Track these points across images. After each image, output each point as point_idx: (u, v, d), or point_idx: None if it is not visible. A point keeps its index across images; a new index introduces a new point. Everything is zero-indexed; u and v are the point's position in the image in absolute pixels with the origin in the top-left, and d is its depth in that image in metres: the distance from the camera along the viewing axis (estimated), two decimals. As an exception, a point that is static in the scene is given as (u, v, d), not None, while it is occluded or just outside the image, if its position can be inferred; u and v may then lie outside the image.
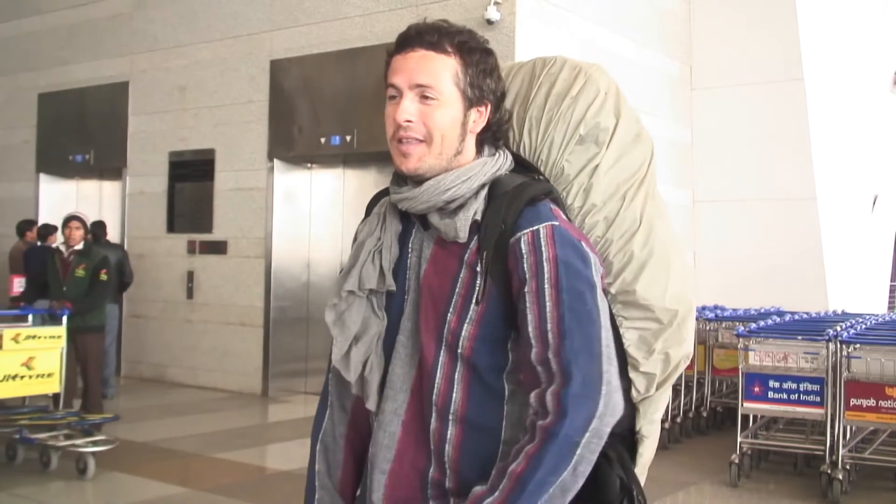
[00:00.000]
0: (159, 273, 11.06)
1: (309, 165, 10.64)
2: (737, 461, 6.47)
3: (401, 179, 1.68)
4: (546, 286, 1.54)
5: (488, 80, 1.66)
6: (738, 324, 7.76)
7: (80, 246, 7.36)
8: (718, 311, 8.79)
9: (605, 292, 1.66)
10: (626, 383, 1.69)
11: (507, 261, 1.57)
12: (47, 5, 12.93)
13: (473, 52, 1.68)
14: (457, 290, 1.60)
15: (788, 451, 6.91)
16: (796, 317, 8.28)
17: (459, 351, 1.59)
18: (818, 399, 6.26)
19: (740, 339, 6.65)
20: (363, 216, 1.83)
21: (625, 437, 1.72)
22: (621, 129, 1.75)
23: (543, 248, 1.55)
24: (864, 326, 7.20)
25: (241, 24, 10.67)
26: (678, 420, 7.90)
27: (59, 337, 6.68)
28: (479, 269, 1.58)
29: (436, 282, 1.63)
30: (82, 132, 12.25)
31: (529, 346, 1.54)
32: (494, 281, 1.57)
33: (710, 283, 10.97)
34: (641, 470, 1.76)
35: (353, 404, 1.79)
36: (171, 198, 11.20)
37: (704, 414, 8.28)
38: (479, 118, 1.66)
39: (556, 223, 1.58)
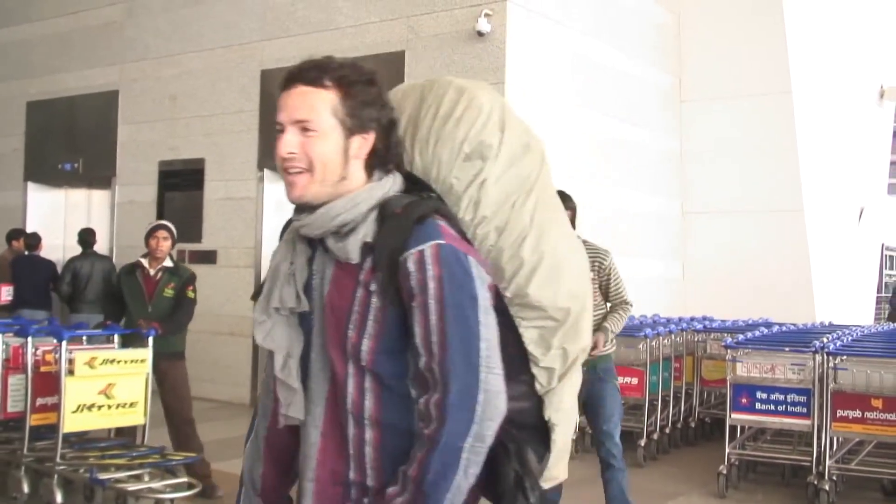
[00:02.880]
0: (148, 282, 11.05)
1: (299, 175, 10.64)
2: (725, 472, 6.50)
3: (302, 207, 1.81)
4: (431, 301, 1.66)
5: (369, 109, 1.77)
6: (726, 335, 7.80)
7: (168, 262, 6.39)
8: (707, 323, 8.83)
9: (502, 296, 1.80)
10: (531, 378, 1.82)
11: (398, 278, 1.69)
12: (38, 13, 12.91)
13: (353, 84, 1.78)
14: (355, 307, 1.73)
15: (776, 462, 6.94)
16: (784, 328, 8.32)
17: (362, 363, 1.72)
18: (805, 410, 6.30)
19: (728, 351, 6.69)
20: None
21: (538, 427, 1.84)
22: (507, 142, 1.84)
23: (428, 267, 1.67)
24: (850, 338, 7.24)
25: (232, 34, 10.68)
26: (667, 431, 7.91)
27: (142, 361, 5.73)
28: (373, 287, 1.71)
29: (337, 301, 1.76)
30: (71, 141, 12.23)
31: (419, 356, 1.69)
32: (388, 298, 1.70)
33: (698, 294, 11.02)
34: (559, 455, 1.87)
35: (272, 411, 1.91)
36: (161, 207, 11.18)
37: (693, 425, 8.31)
38: (363, 145, 1.77)
39: (442, 242, 1.69)
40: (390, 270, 1.69)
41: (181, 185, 10.99)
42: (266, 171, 10.31)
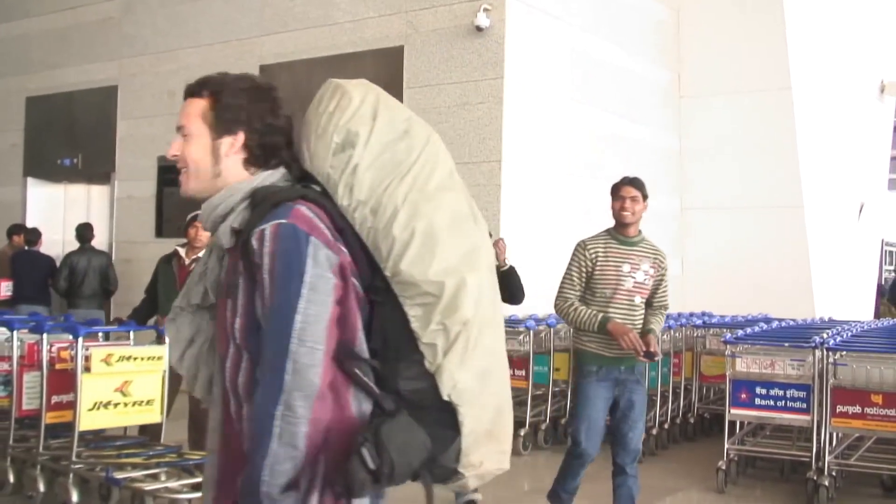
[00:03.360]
0: (147, 278, 10.99)
1: (298, 170, 10.63)
2: (724, 467, 6.49)
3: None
4: (265, 275, 1.79)
5: (235, 113, 1.96)
6: (725, 330, 7.78)
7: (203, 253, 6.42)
8: (706, 318, 8.82)
9: (385, 276, 1.87)
10: (422, 356, 1.84)
11: (250, 257, 1.82)
12: (36, 9, 12.88)
13: (222, 92, 1.97)
14: (231, 289, 1.89)
15: (775, 458, 6.93)
16: (783, 324, 8.31)
17: (237, 341, 1.86)
18: (805, 406, 6.29)
19: (727, 346, 6.68)
20: None
21: (442, 408, 1.83)
22: (378, 130, 1.92)
23: (266, 243, 1.79)
24: (850, 334, 7.23)
25: (230, 29, 10.66)
26: (665, 426, 7.91)
27: (159, 358, 5.54)
28: (240, 268, 1.85)
29: (225, 285, 1.93)
30: (71, 136, 12.21)
31: (261, 328, 1.82)
32: (248, 276, 1.83)
33: (697, 290, 11.01)
34: (475, 440, 1.85)
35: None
36: (160, 202, 11.17)
37: (692, 420, 8.30)
38: (233, 144, 1.96)
39: (283, 220, 1.80)
40: (244, 249, 1.83)
41: (178, 179, 10.96)
42: (265, 167, 10.29)
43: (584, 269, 4.87)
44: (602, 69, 10.36)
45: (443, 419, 1.83)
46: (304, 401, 1.73)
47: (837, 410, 6.11)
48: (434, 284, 1.83)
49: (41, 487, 5.53)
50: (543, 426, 7.81)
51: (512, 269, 5.52)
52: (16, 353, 5.53)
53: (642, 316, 4.92)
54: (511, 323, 8.15)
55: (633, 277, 4.85)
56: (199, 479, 5.25)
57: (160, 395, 5.53)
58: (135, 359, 5.46)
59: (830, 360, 6.26)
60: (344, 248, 1.85)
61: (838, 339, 6.63)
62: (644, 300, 4.93)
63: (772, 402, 6.37)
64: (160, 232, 11.14)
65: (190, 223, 6.21)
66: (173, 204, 11.08)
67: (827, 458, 6.16)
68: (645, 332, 4.84)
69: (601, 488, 6.49)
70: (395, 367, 1.84)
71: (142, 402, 5.46)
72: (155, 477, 5.32)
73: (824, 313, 10.36)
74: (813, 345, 6.33)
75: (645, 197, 4.99)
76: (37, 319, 6.13)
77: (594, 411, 4.81)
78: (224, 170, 1.96)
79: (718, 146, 11.59)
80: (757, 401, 6.42)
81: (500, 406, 1.89)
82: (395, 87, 9.25)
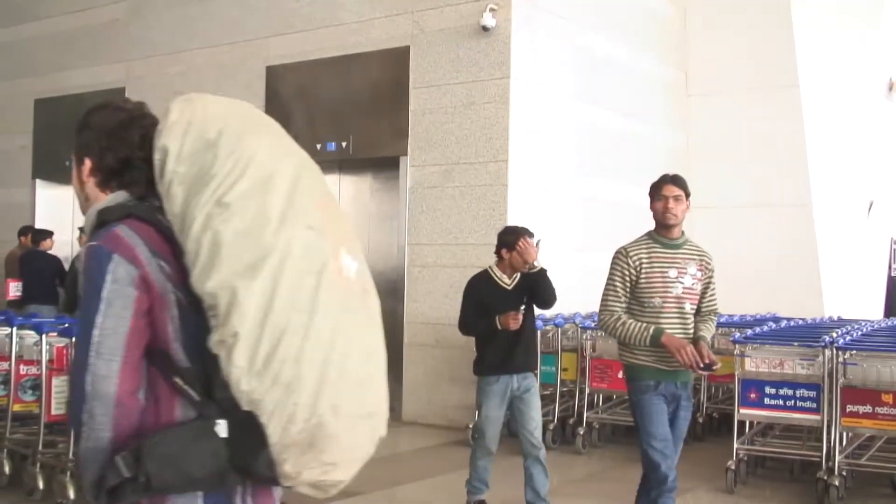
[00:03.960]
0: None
1: (305, 171, 10.63)
2: (733, 467, 6.47)
3: None
4: (82, 293, 1.92)
5: (81, 139, 2.14)
6: (734, 330, 7.76)
7: None
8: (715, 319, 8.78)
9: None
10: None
11: None
12: (45, 11, 12.92)
13: (80, 123, 2.17)
14: None
15: (785, 458, 6.91)
16: (792, 323, 8.27)
17: None
18: (814, 405, 6.26)
19: (736, 346, 6.66)
20: None
21: (251, 416, 1.83)
22: (189, 142, 1.93)
23: (82, 264, 1.94)
24: (860, 333, 7.20)
25: (237, 31, 10.67)
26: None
27: None
28: None
29: None
30: (78, 138, 12.22)
31: None
32: None
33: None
34: (283, 448, 1.82)
35: None
36: (167, 204, 11.18)
37: (700, 420, 8.28)
38: (84, 169, 2.12)
39: (94, 243, 1.92)
40: None
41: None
42: (272, 168, 10.29)
43: (627, 279, 4.48)
44: (608, 68, 10.34)
45: (251, 427, 1.82)
46: (103, 409, 1.83)
47: (847, 410, 6.09)
48: (210, 297, 1.84)
49: (71, 494, 5.44)
50: (551, 426, 7.79)
51: (541, 272, 5.35)
52: (45, 358, 5.47)
53: (693, 324, 4.56)
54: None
55: (682, 283, 4.50)
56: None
57: None
58: None
59: (840, 359, 6.24)
60: (161, 262, 1.91)
61: (848, 338, 6.60)
62: (694, 306, 4.57)
63: (781, 402, 6.35)
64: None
65: None
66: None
67: (837, 458, 6.13)
68: (696, 341, 4.47)
69: (609, 487, 6.48)
70: (210, 374, 1.85)
71: None
72: None
73: (833, 312, 10.31)
74: (822, 344, 6.30)
75: (688, 195, 4.64)
76: (65, 322, 6.05)
77: (662, 426, 4.41)
78: (89, 194, 2.13)
79: (726, 144, 11.55)
80: (766, 400, 6.40)
81: (321, 417, 1.81)
82: (401, 87, 9.26)
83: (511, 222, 8.62)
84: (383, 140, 9.52)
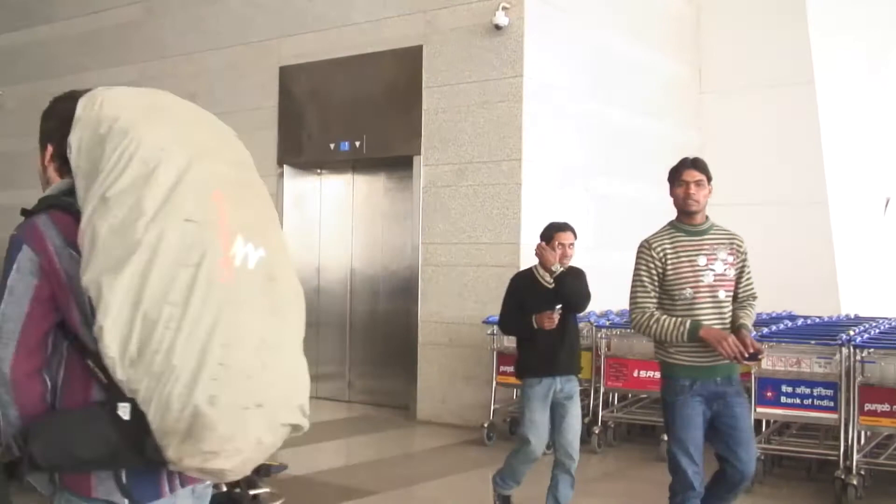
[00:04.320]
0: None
1: (318, 171, 10.65)
2: (750, 467, 6.42)
3: None
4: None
5: (43, 127, 2.27)
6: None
7: None
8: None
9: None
10: None
11: None
12: (60, 14, 12.98)
13: (45, 110, 2.31)
14: None
15: (802, 457, 6.86)
16: (809, 321, 8.22)
17: None
18: (832, 404, 6.22)
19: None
20: None
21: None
22: (85, 137, 2.03)
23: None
24: (877, 331, 7.15)
25: (250, 31, 10.69)
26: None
27: None
28: None
29: None
30: (93, 139, 12.28)
31: None
32: None
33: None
34: (162, 435, 1.89)
35: None
36: (182, 204, 11.20)
37: (716, 419, 8.23)
38: (45, 155, 2.25)
39: (14, 232, 2.03)
40: None
41: (201, 182, 11.01)
42: (285, 168, 10.32)
43: (654, 272, 4.24)
44: (622, 66, 10.31)
45: (140, 413, 1.90)
46: (3, 388, 1.97)
47: (865, 408, 6.05)
48: (85, 290, 1.92)
49: None
50: (566, 425, 7.76)
51: (561, 275, 5.15)
52: None
53: (731, 313, 4.30)
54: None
55: (713, 270, 4.24)
56: (265, 490, 5.17)
57: None
58: None
59: (858, 357, 6.19)
60: (74, 251, 1.98)
61: (865, 336, 6.56)
62: (730, 294, 4.30)
63: (798, 401, 6.31)
64: (182, 234, 11.18)
65: None
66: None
67: (855, 457, 6.09)
68: (737, 330, 4.19)
69: (624, 487, 6.46)
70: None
71: None
72: (216, 486, 5.09)
73: (850, 310, 10.24)
74: (840, 342, 6.26)
75: (709, 179, 4.43)
76: None
77: (694, 431, 4.15)
78: (49, 178, 2.24)
79: (740, 142, 11.49)
80: (783, 399, 6.37)
81: (197, 407, 1.85)
82: (414, 86, 9.25)
83: (525, 221, 8.61)
84: (396, 139, 9.51)
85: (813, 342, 6.51)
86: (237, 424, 1.90)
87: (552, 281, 5.18)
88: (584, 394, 8.08)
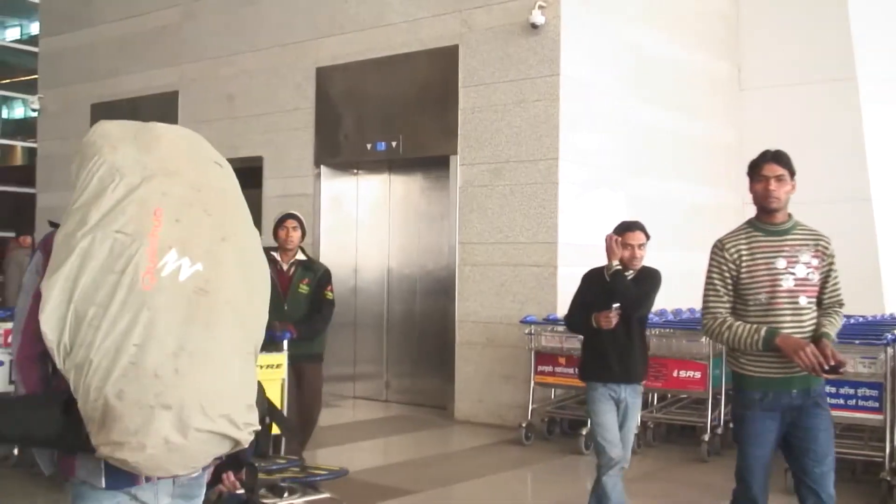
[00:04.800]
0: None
1: (355, 171, 10.69)
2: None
3: None
4: None
5: None
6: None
7: (300, 256, 6.03)
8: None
9: None
10: None
11: None
12: (100, 18, 13.16)
13: None
14: None
15: (847, 458, 6.75)
16: (852, 320, 8.09)
17: None
18: (876, 405, 6.12)
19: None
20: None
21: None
22: (81, 165, 2.24)
23: None
24: (923, 330, 7.01)
25: (287, 33, 10.75)
26: (731, 425, 7.75)
27: (279, 366, 5.38)
28: None
29: None
30: (133, 142, 12.41)
31: None
32: None
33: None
34: (86, 423, 2.07)
35: None
36: (220, 205, 11.29)
37: (758, 419, 8.13)
38: None
39: (40, 241, 2.34)
40: None
41: (240, 182, 11.03)
42: (322, 168, 10.36)
43: (727, 275, 3.91)
44: (659, 63, 10.22)
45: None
46: (14, 370, 2.30)
47: (911, 409, 5.93)
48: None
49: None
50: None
51: (615, 273, 4.83)
52: None
53: (813, 321, 3.89)
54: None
55: (793, 273, 3.87)
56: (324, 496, 5.22)
57: (279, 404, 5.31)
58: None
59: (903, 357, 6.08)
60: None
61: (911, 335, 6.44)
62: (812, 300, 3.91)
63: (842, 401, 6.21)
64: (221, 235, 11.27)
65: (280, 224, 5.96)
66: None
67: (901, 459, 5.98)
68: (817, 339, 3.79)
69: (663, 488, 6.39)
70: None
71: None
72: (275, 490, 5.11)
73: (894, 309, 10.07)
74: (885, 342, 6.15)
75: (793, 174, 4.13)
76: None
77: (761, 449, 3.89)
78: None
79: (781, 139, 11.13)
80: (827, 400, 6.25)
81: (106, 399, 2.03)
82: (450, 86, 9.25)
83: (561, 221, 8.57)
84: (433, 139, 9.52)
85: (857, 342, 6.41)
86: (141, 420, 2.03)
87: (608, 278, 4.87)
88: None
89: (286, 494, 5.14)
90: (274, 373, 5.34)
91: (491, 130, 8.98)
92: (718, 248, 4.00)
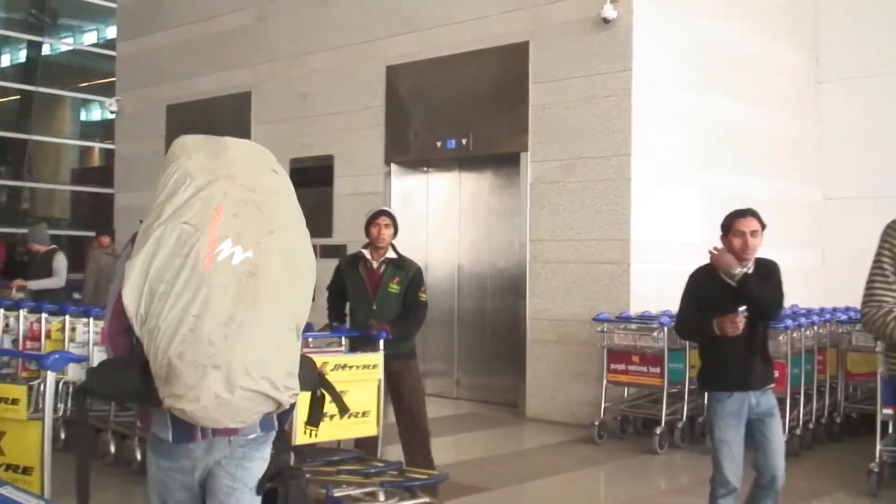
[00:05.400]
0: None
1: (425, 169, 10.71)
2: (876, 470, 6.16)
3: None
4: None
5: None
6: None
7: (391, 254, 5.84)
8: (852, 314, 8.41)
9: None
10: None
11: None
12: (174, 21, 13.43)
13: None
14: None
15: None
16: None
17: None
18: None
19: (877, 342, 6.34)
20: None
21: None
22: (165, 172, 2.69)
23: None
24: None
25: (357, 32, 10.83)
26: (810, 426, 7.59)
27: (374, 367, 5.27)
28: None
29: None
30: (208, 142, 12.65)
31: None
32: None
33: (841, 284, 10.46)
34: (155, 379, 2.49)
35: None
36: (293, 204, 11.43)
37: (838, 420, 7.94)
38: None
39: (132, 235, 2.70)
40: None
41: (311, 181, 11.20)
42: (393, 166, 10.42)
43: None
44: (733, 56, 10.02)
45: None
46: (105, 339, 2.78)
47: None
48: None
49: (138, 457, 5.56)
50: (680, 425, 7.61)
51: (745, 278, 4.38)
52: None
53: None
54: (645, 319, 7.99)
55: None
56: (424, 500, 5.11)
57: (376, 407, 5.24)
58: (350, 367, 5.16)
59: None
60: None
61: None
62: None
63: None
64: (294, 232, 11.40)
65: (372, 221, 5.80)
66: (305, 205, 11.24)
67: None
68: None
69: (742, 489, 6.29)
70: None
71: (357, 413, 5.13)
72: (374, 496, 4.99)
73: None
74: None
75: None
76: None
77: None
78: None
79: (861, 133, 11.03)
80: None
81: (170, 359, 2.45)
82: (520, 83, 9.21)
83: (634, 217, 8.47)
84: (503, 136, 9.49)
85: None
86: (197, 377, 2.44)
87: (736, 282, 4.40)
88: (698, 392, 7.91)
89: (383, 498, 5.01)
90: (370, 373, 5.25)
91: (562, 127, 8.92)
92: (892, 230, 3.43)
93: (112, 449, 6.44)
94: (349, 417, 4.96)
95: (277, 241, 2.64)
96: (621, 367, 7.92)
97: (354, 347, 5.58)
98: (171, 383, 2.47)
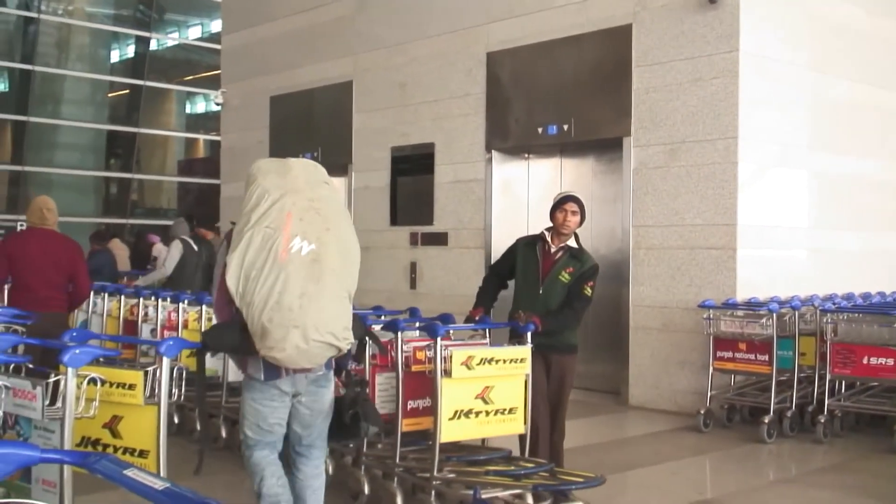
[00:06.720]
0: (384, 265, 11.46)
1: (526, 155, 10.68)
2: None
3: None
4: None
5: None
6: None
7: (572, 242, 5.48)
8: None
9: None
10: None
11: None
12: (278, 12, 13.70)
13: None
14: None
15: None
16: None
17: None
18: None
19: None
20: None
21: None
22: (245, 189, 3.86)
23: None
24: None
25: (457, 19, 10.85)
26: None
27: (523, 360, 4.97)
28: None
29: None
30: (310, 131, 12.91)
31: None
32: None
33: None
34: (253, 334, 3.77)
35: None
36: (394, 191, 11.58)
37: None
38: None
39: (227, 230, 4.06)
40: None
41: (412, 169, 11.31)
42: (494, 153, 10.42)
43: None
44: (845, 33, 9.67)
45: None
46: (214, 308, 4.02)
47: None
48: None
49: (399, 502, 5.00)
50: (789, 413, 7.43)
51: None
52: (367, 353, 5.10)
53: None
54: (753, 306, 7.82)
55: None
56: None
57: (523, 403, 5.00)
58: (497, 361, 4.88)
59: None
60: None
61: None
62: None
63: None
64: (395, 220, 11.54)
65: (558, 206, 5.42)
66: (406, 194, 11.45)
67: None
68: None
69: (852, 479, 6.12)
70: None
71: (504, 410, 4.90)
72: (522, 498, 4.81)
73: None
74: None
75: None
76: (390, 314, 6.01)
77: None
78: None
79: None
80: None
81: (263, 322, 3.61)
82: (622, 66, 9.09)
83: (742, 202, 8.29)
84: (605, 121, 9.39)
85: None
86: (283, 334, 3.60)
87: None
88: (808, 381, 7.72)
89: (531, 501, 4.80)
90: (517, 367, 4.94)
91: (666, 110, 8.77)
92: None
93: (224, 434, 6.63)
94: (497, 414, 4.83)
95: (332, 235, 3.73)
96: (728, 354, 7.77)
97: (510, 338, 5.34)
98: (265, 339, 3.62)
